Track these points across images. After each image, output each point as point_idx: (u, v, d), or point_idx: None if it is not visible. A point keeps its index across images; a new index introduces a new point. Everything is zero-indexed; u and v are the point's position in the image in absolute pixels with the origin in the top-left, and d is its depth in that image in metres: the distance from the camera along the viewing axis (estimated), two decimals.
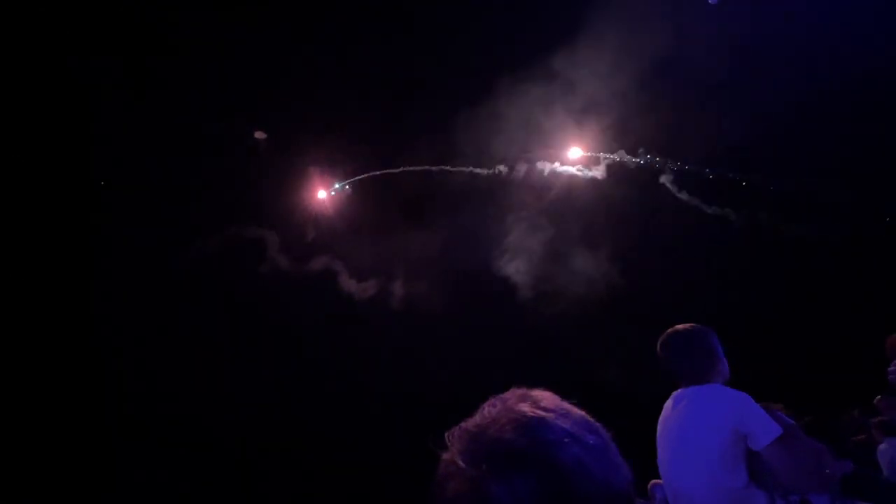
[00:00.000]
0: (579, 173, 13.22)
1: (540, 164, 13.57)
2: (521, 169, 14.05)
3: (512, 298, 12.61)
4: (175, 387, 11.10)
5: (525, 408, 0.92)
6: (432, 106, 12.33)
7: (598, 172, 13.10)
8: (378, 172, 13.89)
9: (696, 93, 9.51)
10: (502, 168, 14.36)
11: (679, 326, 2.99)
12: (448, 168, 14.53)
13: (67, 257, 11.29)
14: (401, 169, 14.61)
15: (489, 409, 0.95)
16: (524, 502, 0.81)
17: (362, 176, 13.92)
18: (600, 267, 11.74)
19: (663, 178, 12.90)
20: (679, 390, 2.96)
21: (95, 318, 11.51)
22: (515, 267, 12.91)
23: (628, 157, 12.85)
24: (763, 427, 2.67)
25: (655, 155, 12.63)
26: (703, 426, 2.73)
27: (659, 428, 2.94)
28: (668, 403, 2.96)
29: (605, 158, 13.01)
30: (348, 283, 13.48)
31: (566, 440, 0.87)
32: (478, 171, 14.62)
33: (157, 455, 11.00)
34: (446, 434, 0.94)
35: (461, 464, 0.87)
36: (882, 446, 4.28)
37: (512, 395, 0.98)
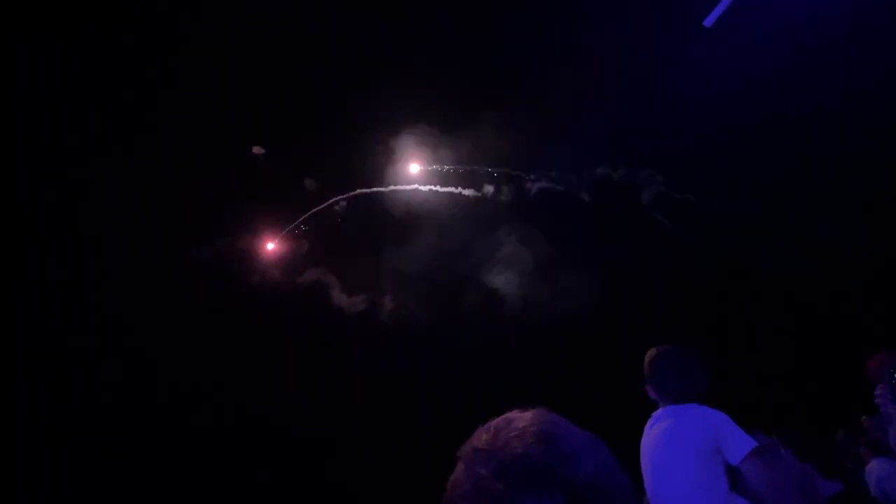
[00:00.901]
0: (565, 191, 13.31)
1: (528, 184, 13.69)
2: (508, 190, 14.17)
3: (497, 315, 12.55)
4: (167, 393, 10.92)
5: (538, 425, 0.92)
6: (421, 126, 12.47)
7: (585, 195, 13.20)
8: (368, 190, 13.92)
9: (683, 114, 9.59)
10: (490, 188, 14.47)
11: (662, 347, 3.01)
12: (437, 188, 14.62)
13: (58, 260, 11.14)
14: (390, 188, 14.68)
15: (499, 427, 0.94)
16: None
17: (352, 193, 13.95)
18: (585, 286, 11.70)
19: (644, 198, 12.93)
20: (659, 410, 2.98)
21: (86, 323, 11.31)
22: (500, 284, 12.90)
23: (610, 172, 12.89)
24: (738, 441, 2.72)
25: (638, 172, 12.68)
26: (680, 444, 2.74)
27: (641, 448, 2.93)
28: (649, 424, 2.97)
29: (588, 177, 13.09)
30: (339, 298, 13.48)
31: (584, 455, 0.89)
32: (465, 192, 14.73)
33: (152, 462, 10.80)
34: (458, 452, 0.93)
35: (486, 481, 0.86)
36: (869, 466, 4.22)
37: (519, 413, 0.97)
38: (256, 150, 11.88)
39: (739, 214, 10.94)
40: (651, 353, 3.01)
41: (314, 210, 13.66)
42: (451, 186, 14.48)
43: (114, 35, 9.67)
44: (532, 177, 13.70)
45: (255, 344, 12.11)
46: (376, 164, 13.79)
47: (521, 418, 0.95)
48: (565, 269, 11.99)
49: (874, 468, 4.38)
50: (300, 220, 13.71)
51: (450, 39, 10.76)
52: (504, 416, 0.97)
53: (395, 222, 13.30)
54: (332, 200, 13.76)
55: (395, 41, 11.14)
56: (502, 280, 12.80)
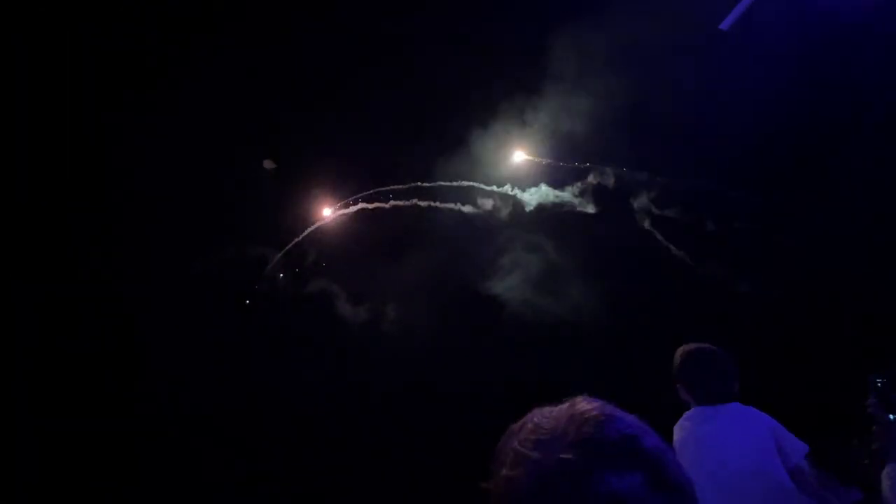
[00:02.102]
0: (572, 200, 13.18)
1: (523, 195, 13.64)
2: (503, 204, 14.14)
3: (499, 323, 12.40)
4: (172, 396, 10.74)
5: (592, 407, 0.89)
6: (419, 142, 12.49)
7: (590, 207, 13.08)
8: (370, 206, 13.90)
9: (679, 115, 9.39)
10: (486, 204, 14.43)
11: (696, 346, 2.84)
12: (436, 205, 14.59)
13: (72, 264, 10.98)
14: (391, 203, 14.64)
15: (546, 417, 0.89)
16: (635, 490, 0.78)
17: (353, 207, 13.91)
18: (589, 293, 11.57)
19: (636, 203, 12.75)
20: (694, 410, 2.78)
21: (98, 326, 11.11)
22: (501, 293, 12.75)
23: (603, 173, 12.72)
24: (794, 443, 2.68)
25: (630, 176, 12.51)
26: (753, 443, 2.61)
27: (690, 445, 2.67)
28: (692, 422, 2.75)
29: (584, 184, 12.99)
30: (343, 307, 13.41)
31: (645, 433, 0.86)
32: (465, 209, 14.69)
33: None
34: (506, 446, 0.88)
35: (558, 463, 0.81)
36: (884, 472, 4.12)
37: (554, 406, 0.93)
38: (267, 163, 11.79)
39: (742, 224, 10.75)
40: (685, 351, 2.82)
41: (318, 223, 13.63)
42: (450, 202, 14.49)
43: (117, 40, 9.65)
44: (530, 190, 13.67)
45: (262, 349, 12.00)
46: (377, 179, 13.83)
47: (565, 407, 0.90)
48: (567, 277, 11.90)
49: (887, 475, 4.28)
50: (306, 231, 13.68)
51: (449, 47, 10.72)
52: (536, 411, 0.93)
53: (397, 235, 13.26)
54: (334, 214, 13.72)
55: (391, 54, 11.18)
56: (502, 289, 12.68)
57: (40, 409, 10.41)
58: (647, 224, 12.64)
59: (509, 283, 12.65)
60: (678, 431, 2.76)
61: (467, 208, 14.51)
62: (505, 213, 13.91)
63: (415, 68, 10.92)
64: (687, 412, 2.81)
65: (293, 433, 11.37)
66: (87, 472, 10.19)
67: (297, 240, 13.64)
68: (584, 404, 0.90)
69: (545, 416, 0.90)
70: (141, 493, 10.44)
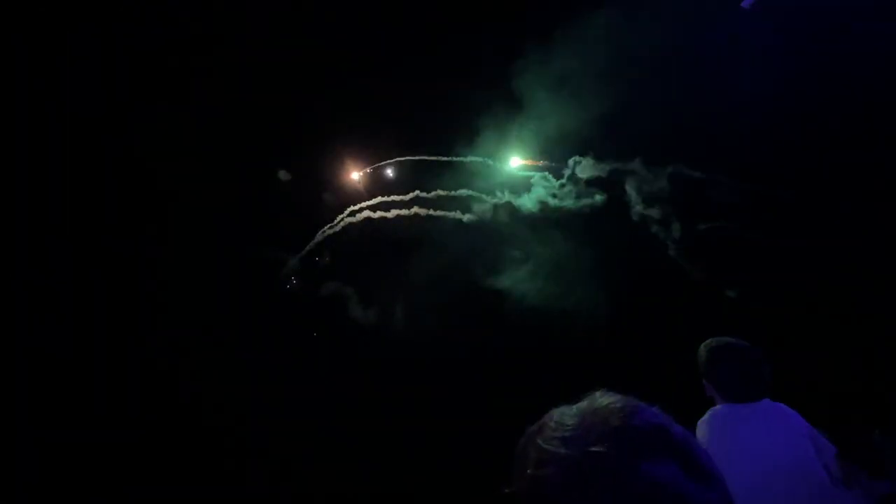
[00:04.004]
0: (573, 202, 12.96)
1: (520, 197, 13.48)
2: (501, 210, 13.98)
3: (505, 324, 12.16)
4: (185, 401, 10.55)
5: (615, 400, 0.87)
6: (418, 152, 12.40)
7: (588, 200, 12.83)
8: (374, 215, 13.81)
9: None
10: (485, 209, 14.28)
11: (732, 340, 2.56)
12: (435, 213, 14.47)
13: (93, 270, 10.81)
14: (394, 213, 14.51)
15: (565, 414, 0.87)
16: (673, 477, 0.75)
17: (360, 216, 13.84)
18: (594, 291, 11.30)
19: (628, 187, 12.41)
20: (730, 406, 2.49)
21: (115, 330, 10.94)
22: (504, 290, 12.53)
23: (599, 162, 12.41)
24: (826, 443, 2.48)
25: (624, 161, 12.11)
26: (795, 439, 2.39)
27: (728, 445, 2.39)
28: (726, 421, 2.46)
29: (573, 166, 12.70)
30: (355, 308, 13.29)
31: (671, 423, 0.85)
32: (463, 217, 14.54)
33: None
34: (538, 444, 0.84)
35: (593, 456, 0.77)
36: None
37: (570, 406, 0.90)
38: (283, 174, 11.79)
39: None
40: (713, 347, 2.56)
41: (326, 229, 13.57)
42: (451, 211, 14.37)
43: (126, 47, 9.58)
44: (526, 195, 13.50)
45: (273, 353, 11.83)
46: (378, 188, 13.80)
47: (585, 403, 0.88)
48: (568, 275, 11.64)
49: None
50: (317, 238, 13.62)
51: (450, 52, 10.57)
52: (554, 410, 0.90)
53: (401, 241, 13.16)
54: (339, 220, 13.65)
55: (388, 61, 11.09)
56: (505, 288, 12.48)
57: (46, 413, 10.16)
58: (641, 220, 12.37)
59: (510, 284, 12.46)
60: (707, 430, 2.49)
61: (467, 216, 14.40)
62: (503, 218, 13.76)
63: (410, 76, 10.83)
64: (715, 410, 2.55)
65: (304, 433, 11.15)
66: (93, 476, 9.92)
67: (309, 246, 13.56)
68: (606, 398, 0.88)
69: (566, 414, 0.87)
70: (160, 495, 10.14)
